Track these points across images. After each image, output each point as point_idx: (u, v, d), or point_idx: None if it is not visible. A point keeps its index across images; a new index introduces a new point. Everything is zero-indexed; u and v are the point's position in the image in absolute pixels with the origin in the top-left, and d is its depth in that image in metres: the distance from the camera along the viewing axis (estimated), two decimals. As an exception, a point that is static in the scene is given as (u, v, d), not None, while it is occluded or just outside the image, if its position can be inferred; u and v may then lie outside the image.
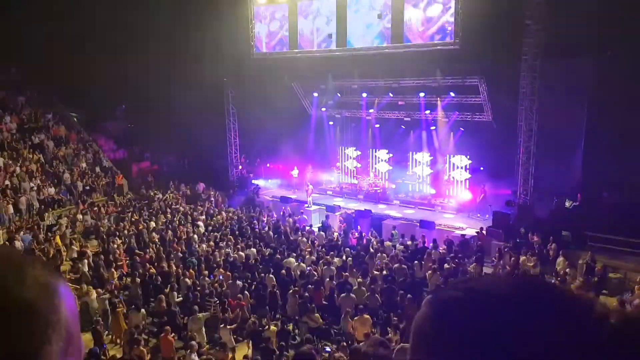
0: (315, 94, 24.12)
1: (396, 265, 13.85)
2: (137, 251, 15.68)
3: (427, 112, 21.19)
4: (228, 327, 10.48)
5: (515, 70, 16.84)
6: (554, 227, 16.34)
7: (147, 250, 15.57)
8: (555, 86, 16.71)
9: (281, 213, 20.25)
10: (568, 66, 16.87)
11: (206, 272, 13.53)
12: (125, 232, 17.49)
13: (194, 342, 9.33)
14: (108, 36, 24.97)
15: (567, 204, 17.90)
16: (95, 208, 20.60)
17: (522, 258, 14.39)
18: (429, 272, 13.56)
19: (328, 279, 13.05)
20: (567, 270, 14.06)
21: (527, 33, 16.03)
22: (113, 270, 14.18)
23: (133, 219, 19.00)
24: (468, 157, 20.75)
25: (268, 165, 26.02)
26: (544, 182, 17.58)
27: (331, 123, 24.92)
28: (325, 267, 13.92)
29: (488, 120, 19.60)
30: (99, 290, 12.40)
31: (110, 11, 24.76)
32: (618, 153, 16.33)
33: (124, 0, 24.47)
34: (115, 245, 15.97)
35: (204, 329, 10.77)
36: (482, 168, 20.07)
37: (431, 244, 15.90)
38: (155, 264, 14.44)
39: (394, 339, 9.58)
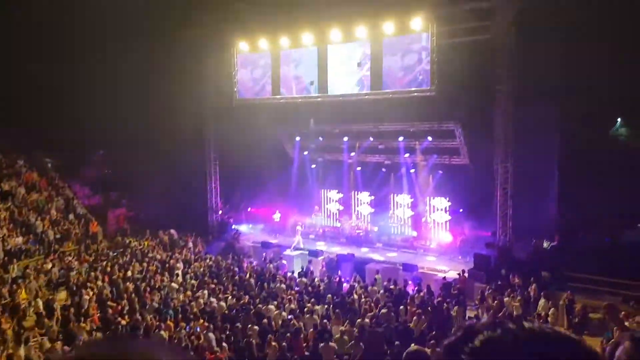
0: (298, 138, 24.38)
1: (383, 310, 13.66)
2: (109, 303, 15.06)
3: (407, 155, 21.60)
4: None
5: (489, 115, 17.39)
6: (533, 268, 16.48)
7: (121, 302, 14.99)
8: (528, 129, 17.22)
9: (262, 259, 19.98)
10: (539, 110, 17.48)
11: (183, 324, 13.09)
12: (98, 282, 16.81)
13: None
14: (88, 80, 24.98)
15: (545, 244, 18.12)
16: (66, 258, 19.86)
17: (505, 299, 14.36)
18: (414, 317, 13.41)
19: (310, 329, 12.77)
20: (550, 311, 14.08)
21: (499, 79, 16.66)
22: (83, 324, 13.48)
23: (106, 269, 18.34)
24: (447, 199, 21.01)
25: (249, 209, 25.87)
26: (522, 223, 17.81)
27: (313, 166, 25.09)
28: (307, 315, 13.65)
29: (466, 163, 20.01)
30: (66, 347, 11.74)
31: (91, 55, 24.92)
32: (591, 193, 16.75)
33: (103, 45, 24.69)
34: (87, 297, 15.19)
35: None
36: (461, 210, 20.33)
37: (415, 288, 15.81)
38: (129, 315, 13.90)
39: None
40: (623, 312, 12.69)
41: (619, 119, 19.39)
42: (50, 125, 24.97)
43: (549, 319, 14.02)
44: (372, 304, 14.34)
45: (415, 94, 17.98)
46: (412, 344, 12.09)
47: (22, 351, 11.78)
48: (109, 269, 18.23)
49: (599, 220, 17.43)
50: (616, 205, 16.74)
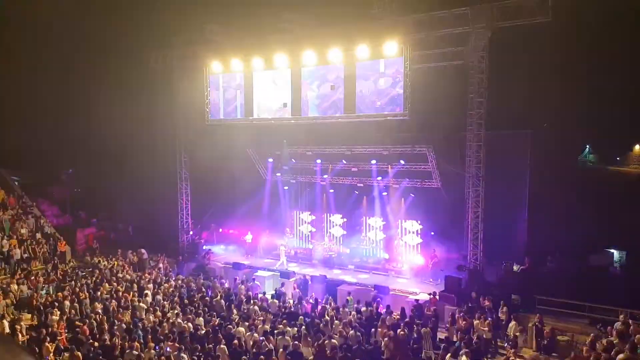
0: (270, 160, 24.39)
1: (351, 332, 13.58)
2: (77, 323, 14.59)
3: (379, 178, 21.84)
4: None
5: (461, 139, 17.79)
6: (503, 291, 16.71)
7: (89, 322, 14.51)
8: (499, 154, 17.70)
9: (233, 280, 19.67)
10: (510, 136, 18.03)
11: (152, 345, 12.72)
12: (66, 302, 16.32)
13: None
14: (56, 99, 24.62)
15: (515, 267, 18.43)
16: (33, 277, 19.21)
17: (475, 322, 14.47)
18: (385, 338, 13.35)
19: (282, 350, 12.56)
20: (519, 334, 14.25)
21: (471, 105, 17.11)
22: (48, 345, 13.01)
23: (75, 288, 17.82)
24: (419, 222, 21.24)
25: (221, 230, 25.57)
26: (493, 246, 18.12)
27: (286, 188, 25.08)
28: (279, 337, 13.45)
29: (437, 187, 20.33)
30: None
31: (61, 74, 24.60)
32: (561, 218, 17.24)
33: (74, 63, 24.46)
34: (54, 317, 14.79)
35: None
36: (432, 233, 20.57)
37: (384, 310, 15.79)
38: (97, 336, 13.47)
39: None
40: (592, 335, 12.98)
41: (587, 146, 20.15)
42: (16, 142, 24.39)
43: (519, 341, 14.20)
44: (342, 327, 14.22)
45: (389, 117, 18.28)
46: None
47: None
48: (77, 288, 17.73)
49: (568, 245, 17.90)
50: (585, 231, 17.24)
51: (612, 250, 19.91)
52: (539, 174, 18.69)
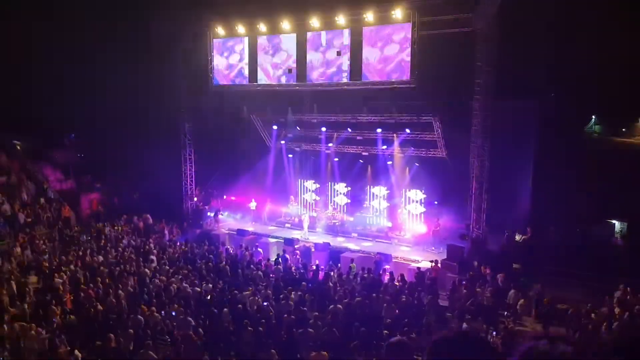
0: (275, 127, 24.24)
1: (358, 299, 13.77)
2: (83, 287, 14.81)
3: (384, 147, 21.72)
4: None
5: (467, 108, 17.58)
6: (505, 260, 16.84)
7: (94, 286, 14.75)
8: (505, 124, 17.50)
9: (238, 246, 19.87)
10: (517, 105, 17.79)
11: (153, 309, 12.92)
12: (71, 266, 16.55)
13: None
14: (58, 63, 24.31)
15: (518, 237, 18.53)
16: (38, 241, 19.43)
17: (477, 290, 14.63)
18: (385, 305, 13.56)
19: (285, 314, 12.79)
20: (519, 302, 14.42)
21: (479, 74, 16.83)
22: (55, 307, 13.26)
23: (80, 253, 18.05)
24: (423, 191, 21.22)
25: (225, 197, 25.65)
26: (496, 216, 18.16)
27: (290, 156, 25.01)
28: (283, 301, 13.67)
29: (442, 157, 20.24)
30: (39, 329, 11.55)
31: (63, 39, 24.23)
32: (564, 189, 17.19)
33: (76, 28, 24.05)
34: (60, 281, 15.01)
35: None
36: (436, 202, 20.59)
37: (387, 277, 15.98)
38: (103, 300, 13.72)
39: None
40: (589, 305, 13.15)
41: (593, 117, 19.91)
42: (18, 106, 24.23)
43: (518, 309, 14.39)
44: (346, 293, 14.43)
45: (395, 85, 18.03)
46: (385, 331, 12.29)
47: None
48: (81, 253, 17.96)
49: (570, 215, 17.91)
50: (587, 201, 17.22)
51: (613, 221, 19.94)
52: (544, 144, 18.54)
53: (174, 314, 12.63)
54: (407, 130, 20.54)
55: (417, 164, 21.17)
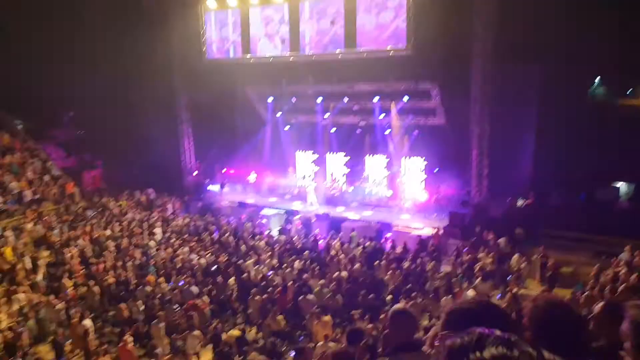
0: (270, 99, 24.06)
1: (357, 266, 13.96)
2: (92, 260, 15.06)
3: (382, 116, 21.57)
4: (194, 333, 10.21)
5: (466, 75, 17.36)
6: (507, 225, 16.91)
7: (102, 259, 15.00)
8: (506, 89, 17.26)
9: (240, 218, 20.00)
10: (517, 71, 17.53)
11: (161, 280, 13.12)
12: (80, 241, 16.80)
13: (158, 350, 9.05)
14: (52, 40, 23.94)
15: (520, 202, 18.57)
16: (46, 217, 19.66)
17: (479, 255, 14.77)
18: (390, 272, 13.74)
19: (290, 283, 12.98)
20: (522, 266, 14.56)
21: (477, 38, 16.58)
22: (68, 280, 13.55)
23: (87, 228, 18.27)
24: (423, 158, 21.19)
25: (224, 170, 25.67)
26: (498, 181, 18.13)
27: (287, 128, 24.89)
28: (287, 270, 13.86)
29: (442, 123, 20.12)
30: (55, 300, 11.86)
31: (56, 15, 23.81)
32: (567, 153, 17.09)
33: (70, 4, 23.61)
34: (70, 255, 15.26)
35: (165, 337, 10.44)
36: (436, 169, 20.54)
37: (389, 245, 16.14)
38: (112, 272, 13.95)
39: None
40: (596, 266, 13.19)
41: (597, 78, 19.63)
42: (18, 87, 23.98)
43: (522, 273, 14.53)
44: (348, 260, 14.62)
45: (391, 52, 17.81)
46: (387, 297, 12.49)
47: (16, 304, 11.90)
48: (88, 228, 18.15)
49: (573, 179, 17.83)
50: (591, 164, 17.10)
51: (619, 185, 19.83)
52: (546, 108, 18.32)
53: (182, 283, 12.82)
54: (405, 99, 20.35)
55: (416, 132, 21.04)
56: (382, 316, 10.31)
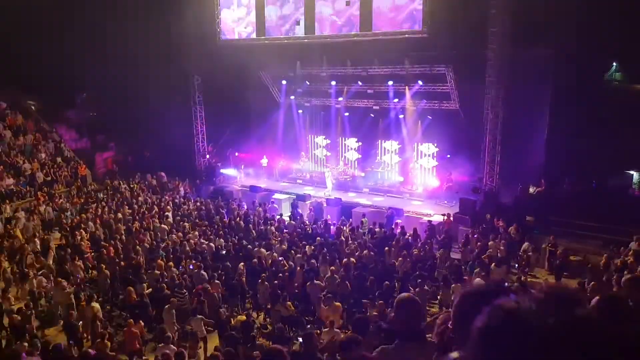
0: (284, 82, 23.90)
1: (365, 252, 13.95)
2: (103, 243, 15.23)
3: (396, 100, 21.33)
4: (199, 316, 10.33)
5: (482, 58, 17.06)
6: (518, 213, 16.78)
7: (113, 242, 15.15)
8: (520, 74, 16.96)
9: (251, 202, 20.07)
10: (533, 54, 17.18)
11: (171, 264, 13.24)
12: (90, 223, 16.98)
13: (169, 335, 9.17)
14: (64, 21, 23.97)
15: (531, 189, 18.37)
16: (57, 199, 19.90)
17: (490, 243, 14.69)
18: (399, 258, 13.72)
19: (299, 268, 13.03)
20: (531, 254, 14.48)
21: (493, 22, 16.24)
22: (78, 262, 13.74)
23: (98, 211, 18.46)
24: (435, 144, 21.01)
25: (236, 154, 25.71)
26: (509, 168, 17.95)
27: (300, 111, 24.76)
28: (297, 255, 13.90)
29: (455, 109, 19.85)
30: (65, 283, 12.03)
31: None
32: (580, 140, 16.82)
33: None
34: (80, 237, 15.46)
35: (175, 321, 10.58)
36: (448, 155, 20.36)
37: (399, 231, 16.09)
38: (122, 255, 14.11)
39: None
40: (605, 255, 13.08)
41: (614, 64, 19.20)
42: (28, 67, 24.10)
43: (531, 261, 14.46)
44: (358, 246, 14.62)
45: (407, 35, 17.53)
46: (396, 283, 12.50)
47: (27, 286, 12.15)
48: (99, 210, 18.34)
49: (586, 166, 17.60)
50: (604, 152, 16.85)
51: (632, 172, 19.55)
52: (561, 94, 17.99)
53: (191, 267, 12.94)
54: (420, 82, 20.07)
55: (429, 117, 20.81)
56: (380, 303, 10.34)
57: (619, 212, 15.69)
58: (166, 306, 10.54)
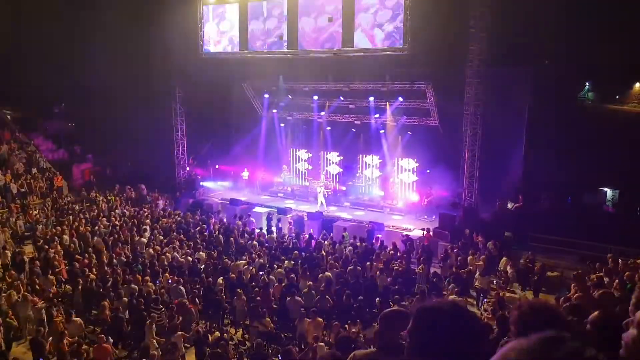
0: (266, 96, 23.94)
1: (350, 267, 13.90)
2: (77, 256, 14.86)
3: (377, 115, 21.54)
4: (179, 333, 10.12)
5: (461, 76, 17.39)
6: (497, 228, 16.99)
7: (88, 256, 14.80)
8: (498, 92, 17.36)
9: (232, 216, 19.89)
10: (510, 73, 17.60)
11: (148, 278, 13.00)
12: (65, 236, 16.57)
13: (154, 353, 8.96)
14: (45, 29, 23.69)
15: (509, 205, 18.64)
16: (31, 211, 19.41)
17: (468, 258, 14.79)
18: (378, 272, 13.72)
19: (277, 283, 12.92)
20: (509, 269, 14.61)
21: (472, 40, 16.59)
22: (50, 277, 13.36)
23: (73, 223, 18.05)
24: (415, 160, 21.22)
25: (217, 166, 25.55)
26: (488, 184, 18.21)
27: (282, 125, 24.81)
28: (278, 269, 13.79)
29: (435, 125, 20.13)
30: (35, 299, 11.65)
31: (53, 3, 23.57)
32: (556, 156, 17.22)
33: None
34: (53, 251, 15.05)
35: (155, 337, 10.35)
36: (428, 171, 20.59)
37: (378, 245, 16.11)
38: (97, 269, 13.79)
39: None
40: (579, 271, 13.27)
41: (587, 84, 19.76)
42: (7, 76, 23.70)
43: (509, 276, 14.57)
44: (339, 261, 14.57)
45: (388, 52, 17.76)
46: (377, 299, 12.47)
47: None
48: (75, 223, 17.94)
49: (562, 183, 18.00)
50: (579, 169, 17.27)
51: (605, 189, 20.08)
52: (537, 112, 18.45)
53: (170, 281, 12.72)
54: (400, 99, 20.33)
55: (409, 133, 21.06)
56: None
57: (594, 228, 16.05)
58: (147, 322, 10.31)
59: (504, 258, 14.84)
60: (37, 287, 12.75)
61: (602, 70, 17.93)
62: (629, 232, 14.93)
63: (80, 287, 12.39)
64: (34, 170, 23.26)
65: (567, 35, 15.70)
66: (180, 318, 10.70)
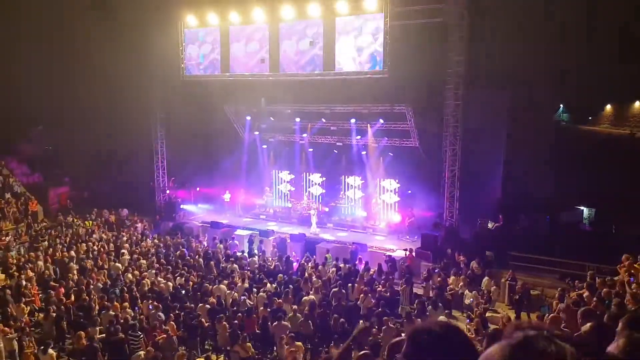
0: (248, 118, 23.98)
1: (335, 289, 13.78)
2: (52, 283, 14.42)
3: (358, 137, 21.73)
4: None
5: (440, 99, 17.72)
6: (478, 248, 17.12)
7: (65, 282, 14.38)
8: (477, 114, 17.73)
9: (212, 239, 19.65)
10: (488, 95, 18.02)
11: (127, 304, 12.68)
12: (39, 262, 16.09)
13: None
14: (24, 52, 23.47)
15: (490, 225, 18.84)
16: (3, 237, 18.84)
17: (450, 278, 14.83)
18: (362, 294, 13.64)
19: (262, 307, 12.73)
20: (492, 289, 14.68)
21: (451, 64, 16.96)
22: (23, 305, 12.88)
23: (49, 249, 17.56)
24: (397, 180, 21.38)
25: (198, 189, 25.32)
26: (468, 204, 18.42)
27: (265, 147, 24.80)
28: (261, 293, 13.60)
29: (415, 146, 20.37)
30: (6, 329, 11.18)
31: (32, 26, 23.40)
32: (534, 176, 17.57)
33: (46, 16, 23.24)
34: (26, 278, 14.54)
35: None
36: (410, 191, 20.75)
37: (362, 267, 16.07)
38: (73, 296, 13.39)
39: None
40: (560, 289, 13.42)
41: (561, 105, 20.33)
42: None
43: (492, 296, 14.64)
44: (322, 284, 14.45)
45: (368, 75, 18.00)
46: (360, 321, 12.36)
47: None
48: (50, 249, 17.46)
49: (540, 202, 18.33)
50: (556, 188, 17.64)
51: (581, 208, 20.49)
52: (514, 133, 18.88)
53: (150, 307, 12.42)
54: (381, 121, 20.60)
55: (390, 154, 21.26)
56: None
57: (573, 246, 16.31)
58: (137, 353, 9.97)
59: (486, 278, 14.92)
60: (9, 315, 12.29)
61: (575, 94, 18.54)
62: (604, 250, 15.18)
63: (53, 314, 11.99)
64: (8, 195, 22.69)
65: (542, 58, 16.21)
66: (161, 345, 10.42)
